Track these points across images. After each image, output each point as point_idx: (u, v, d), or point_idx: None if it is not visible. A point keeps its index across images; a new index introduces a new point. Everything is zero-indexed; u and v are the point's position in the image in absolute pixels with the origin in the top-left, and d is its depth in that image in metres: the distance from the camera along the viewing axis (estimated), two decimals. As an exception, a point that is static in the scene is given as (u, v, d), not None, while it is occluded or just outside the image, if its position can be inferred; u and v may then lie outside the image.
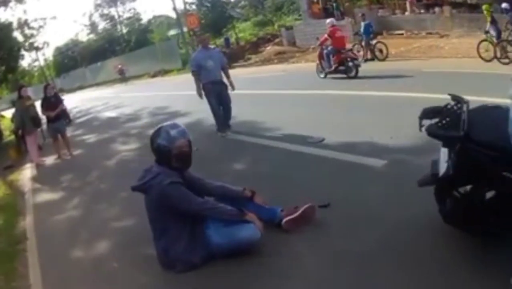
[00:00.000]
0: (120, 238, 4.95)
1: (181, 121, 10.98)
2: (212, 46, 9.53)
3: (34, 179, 9.38)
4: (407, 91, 9.26)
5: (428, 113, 3.27)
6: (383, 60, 16.48)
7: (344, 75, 13.24)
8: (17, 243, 5.73)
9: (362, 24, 17.55)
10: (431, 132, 3.13)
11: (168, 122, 4.01)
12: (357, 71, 13.01)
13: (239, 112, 9.21)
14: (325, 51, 13.93)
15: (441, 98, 3.53)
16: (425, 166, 4.48)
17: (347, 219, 4.11)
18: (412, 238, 3.58)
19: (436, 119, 3.14)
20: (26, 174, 10.25)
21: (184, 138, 3.85)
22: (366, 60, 16.84)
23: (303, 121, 8.48)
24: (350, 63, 13.12)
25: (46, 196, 7.73)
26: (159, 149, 3.81)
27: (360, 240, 3.71)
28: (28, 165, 10.95)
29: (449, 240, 3.41)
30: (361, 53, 17.17)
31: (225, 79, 8.57)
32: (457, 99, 3.08)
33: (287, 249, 3.80)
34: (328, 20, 14.67)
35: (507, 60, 11.90)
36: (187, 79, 26.08)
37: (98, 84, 45.50)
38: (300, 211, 4.08)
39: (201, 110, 10.51)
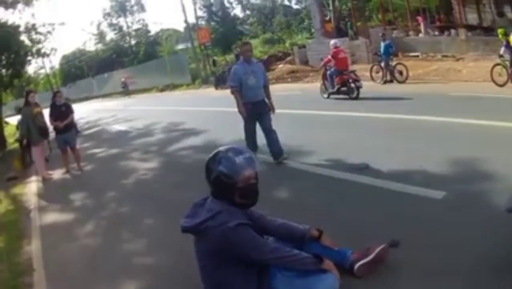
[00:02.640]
0: (152, 280, 4.06)
1: (200, 139, 10.51)
2: (254, 60, 7.88)
3: (40, 195, 8.50)
4: (441, 115, 8.71)
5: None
6: (403, 82, 16.01)
7: (347, 96, 13.39)
8: (20, 275, 4.85)
9: (382, 44, 16.98)
10: None
11: (229, 146, 3.14)
12: (358, 93, 13.13)
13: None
14: (328, 72, 14.05)
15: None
16: (491, 195, 4.36)
17: (422, 262, 3.47)
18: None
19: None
20: (31, 188, 9.41)
21: (252, 168, 3.02)
22: (386, 82, 16.46)
23: (337, 144, 7.79)
24: (352, 85, 13.27)
25: (54, 217, 6.85)
26: (220, 180, 2.96)
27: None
28: (33, 178, 10.16)
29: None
30: (380, 74, 16.83)
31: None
32: None
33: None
34: (332, 42, 14.74)
35: None
36: (197, 94, 26.21)
37: (104, 96, 45.16)
38: (373, 254, 3.42)
39: (218, 129, 10.43)
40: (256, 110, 7.15)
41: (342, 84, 13.53)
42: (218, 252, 2.89)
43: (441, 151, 6.37)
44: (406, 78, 16.14)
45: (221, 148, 3.09)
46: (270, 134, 7.21)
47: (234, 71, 7.26)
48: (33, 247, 5.65)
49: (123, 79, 39.74)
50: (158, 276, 4.07)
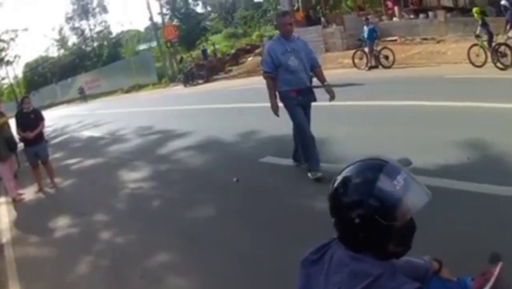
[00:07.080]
0: None
1: (184, 143, 9.39)
2: (295, 35, 5.95)
3: (13, 223, 7.09)
4: (453, 100, 8.26)
5: None
6: (389, 67, 15.77)
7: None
8: None
9: (366, 29, 16.76)
10: None
11: (374, 160, 1.62)
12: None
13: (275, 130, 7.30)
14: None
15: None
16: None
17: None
18: None
19: None
20: (0, 213, 7.97)
21: (415, 196, 1.59)
22: (370, 67, 16.29)
23: (363, 138, 6.87)
24: None
25: (34, 254, 5.49)
26: (372, 222, 1.53)
27: None
28: (3, 200, 8.73)
29: None
30: (364, 60, 16.68)
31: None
32: None
33: None
34: None
35: (501, 66, 11.77)
36: (166, 94, 25.12)
37: (68, 102, 43.58)
38: (494, 278, 2.52)
39: (200, 130, 10.04)
40: (302, 101, 5.64)
41: None
42: None
43: (481, 140, 5.84)
44: (393, 63, 15.92)
45: (350, 167, 1.63)
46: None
47: (269, 51, 5.67)
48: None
49: (80, 85, 39.17)
50: None
